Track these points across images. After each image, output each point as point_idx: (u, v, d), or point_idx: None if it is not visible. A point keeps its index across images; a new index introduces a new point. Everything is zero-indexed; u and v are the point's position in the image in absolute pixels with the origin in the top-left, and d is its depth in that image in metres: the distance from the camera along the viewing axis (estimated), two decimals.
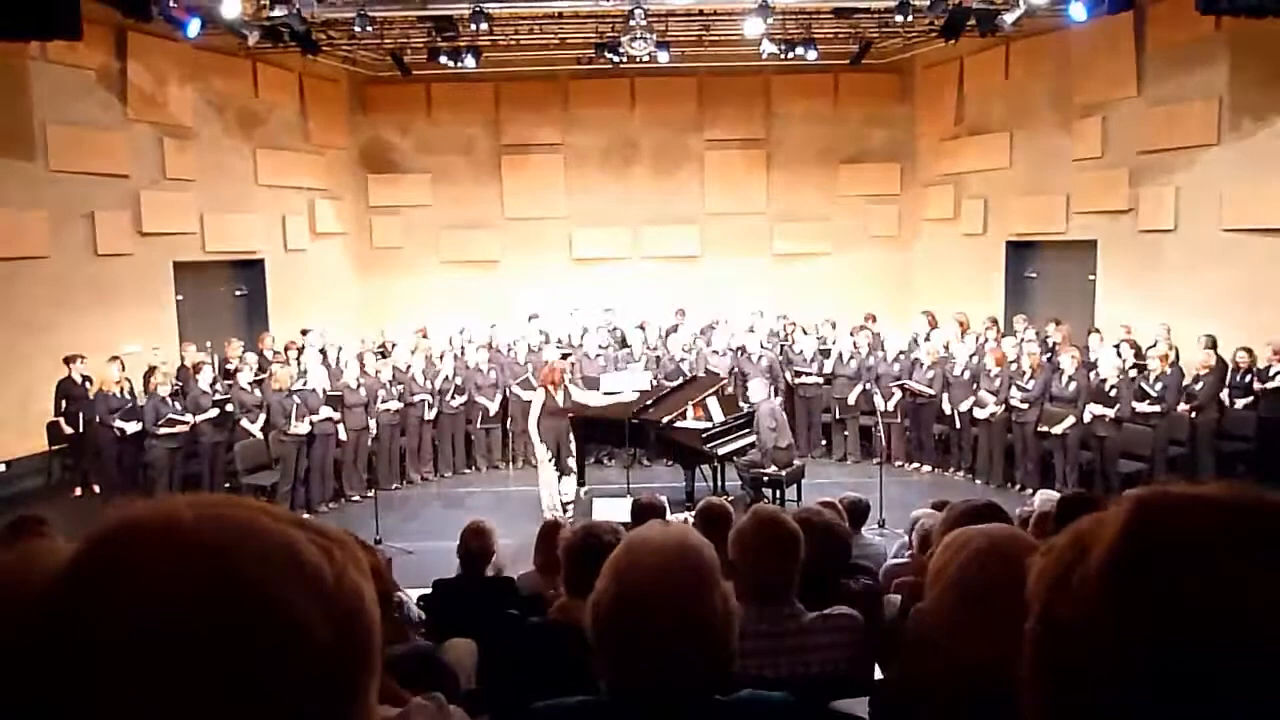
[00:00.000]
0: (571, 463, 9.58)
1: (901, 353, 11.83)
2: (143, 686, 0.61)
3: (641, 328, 13.28)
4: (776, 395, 11.11)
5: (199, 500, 0.70)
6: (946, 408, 11.04)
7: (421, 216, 15.89)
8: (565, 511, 9.46)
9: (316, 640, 0.67)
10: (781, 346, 12.78)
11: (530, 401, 9.86)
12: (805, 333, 12.94)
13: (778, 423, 9.60)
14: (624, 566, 1.52)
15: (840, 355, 12.04)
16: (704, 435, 9.74)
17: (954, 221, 15.10)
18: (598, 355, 12.33)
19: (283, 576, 0.67)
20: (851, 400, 11.77)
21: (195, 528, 0.67)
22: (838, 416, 12.00)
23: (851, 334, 12.29)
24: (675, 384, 11.43)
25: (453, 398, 11.63)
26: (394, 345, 12.79)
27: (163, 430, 9.77)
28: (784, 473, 9.54)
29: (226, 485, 10.04)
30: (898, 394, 11.45)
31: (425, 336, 12.84)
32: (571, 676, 1.52)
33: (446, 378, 11.62)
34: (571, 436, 9.68)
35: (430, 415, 11.48)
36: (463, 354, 12.34)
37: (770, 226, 16.03)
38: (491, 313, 14.46)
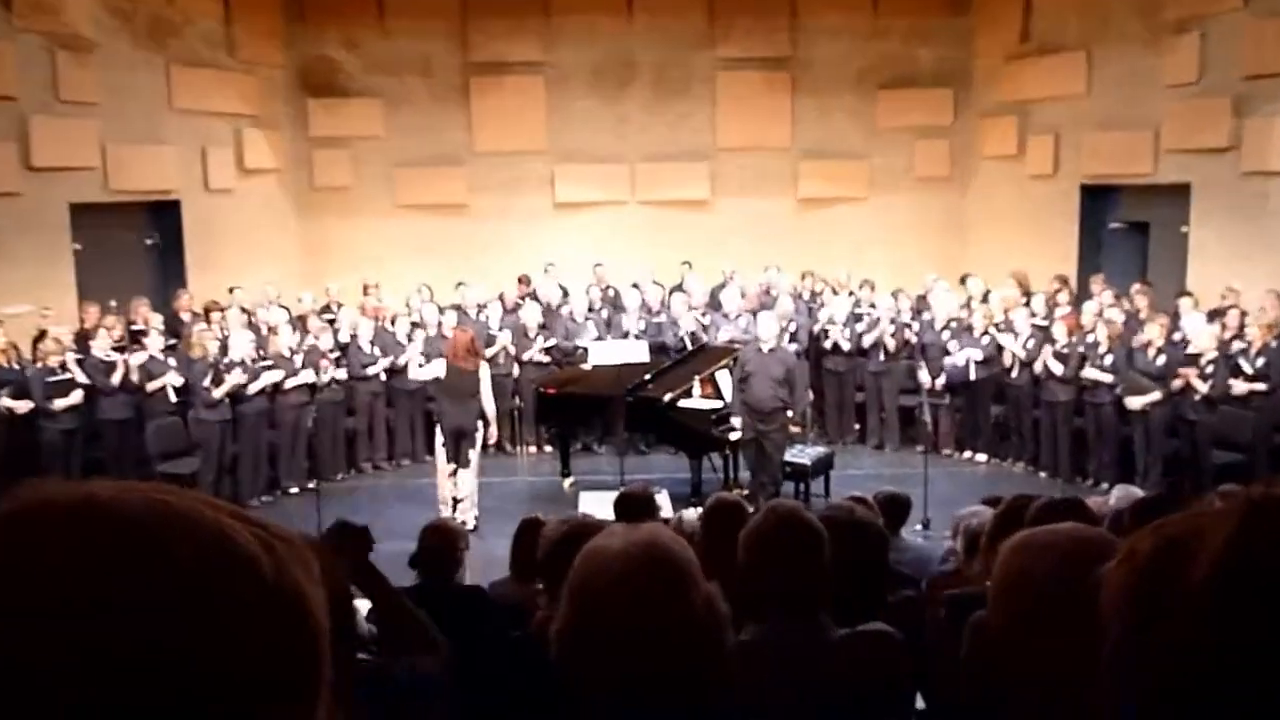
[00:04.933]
0: (473, 454, 9.55)
1: (953, 320, 11.84)
2: (50, 669, 0.63)
3: (637, 286, 13.28)
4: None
5: (120, 484, 0.72)
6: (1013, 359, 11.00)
7: (373, 150, 15.79)
8: (454, 510, 9.46)
9: (249, 638, 0.68)
10: (809, 310, 12.79)
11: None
12: (836, 293, 12.94)
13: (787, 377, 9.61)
14: (580, 587, 1.53)
15: (878, 321, 12.05)
16: (714, 416, 9.77)
17: (1018, 160, 15.04)
18: (586, 319, 12.34)
19: (212, 562, 0.68)
20: (880, 359, 11.85)
21: (114, 505, 0.69)
22: (871, 374, 12.02)
23: (896, 294, 12.37)
24: (679, 355, 11.46)
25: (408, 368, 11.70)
26: (340, 306, 12.79)
27: (57, 405, 9.76)
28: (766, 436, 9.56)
29: (140, 475, 10.06)
30: (949, 367, 11.49)
31: (372, 293, 12.87)
32: (557, 699, 1.53)
33: (399, 344, 11.66)
34: (480, 423, 9.64)
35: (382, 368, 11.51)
36: (423, 317, 12.34)
37: (795, 165, 15.97)
38: (458, 267, 14.35)
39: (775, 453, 9.52)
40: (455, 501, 9.56)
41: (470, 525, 9.26)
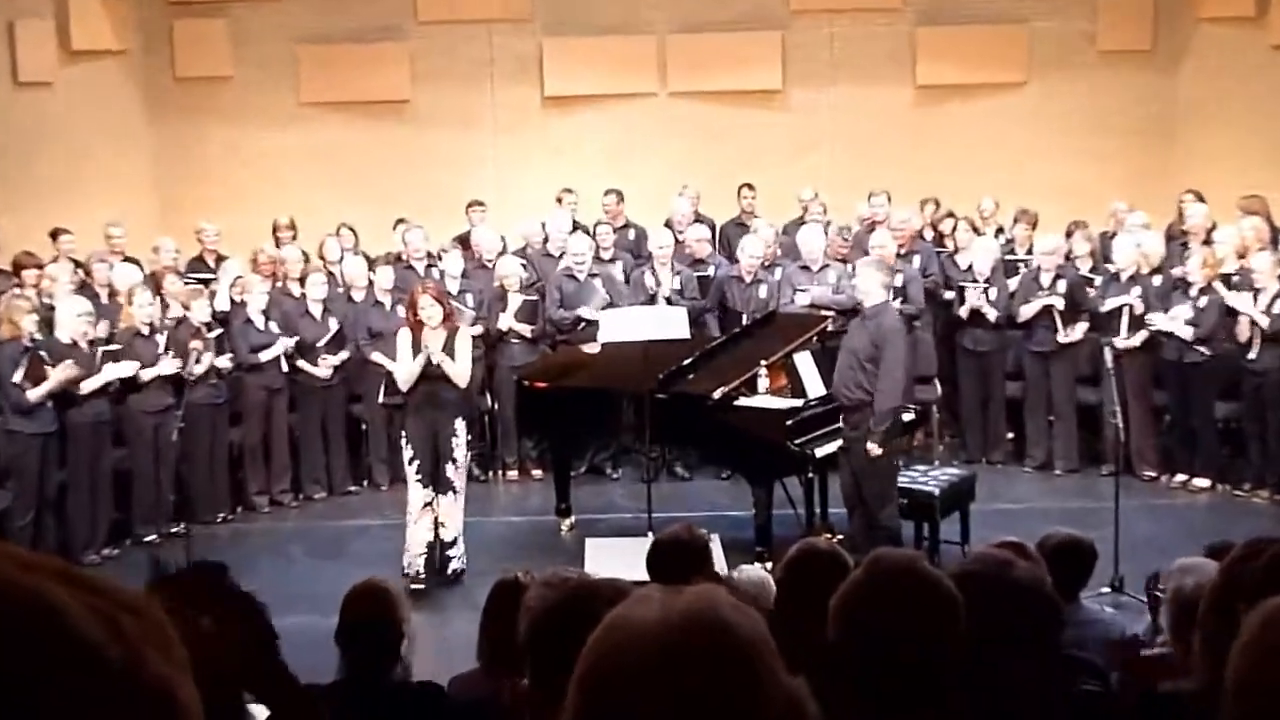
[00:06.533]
0: (453, 471, 9.65)
1: (1155, 270, 11.73)
2: None
3: (670, 226, 13.26)
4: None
5: None
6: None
7: (264, 20, 15.81)
8: (447, 562, 9.66)
9: None
10: (934, 257, 12.77)
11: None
12: (977, 231, 12.85)
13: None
14: (595, 682, 1.52)
15: (1038, 273, 12.01)
16: (790, 422, 9.75)
17: (1255, 24, 14.90)
18: (592, 276, 12.31)
19: (31, 651, 0.68)
20: (1047, 333, 11.73)
21: None
22: (1032, 357, 11.95)
23: (1068, 234, 12.28)
24: (737, 329, 11.41)
25: (326, 355, 11.80)
26: (219, 259, 12.79)
27: None
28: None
29: None
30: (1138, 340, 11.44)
31: (284, 237, 12.95)
32: None
33: (310, 316, 11.71)
34: (458, 424, 9.71)
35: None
36: (342, 275, 12.41)
37: (911, 35, 15.89)
38: (396, 198, 14.36)
39: (860, 473, 9.44)
40: (439, 546, 9.65)
41: (418, 582, 9.43)
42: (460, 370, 9.68)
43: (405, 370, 9.61)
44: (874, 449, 9.31)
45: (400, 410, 10.30)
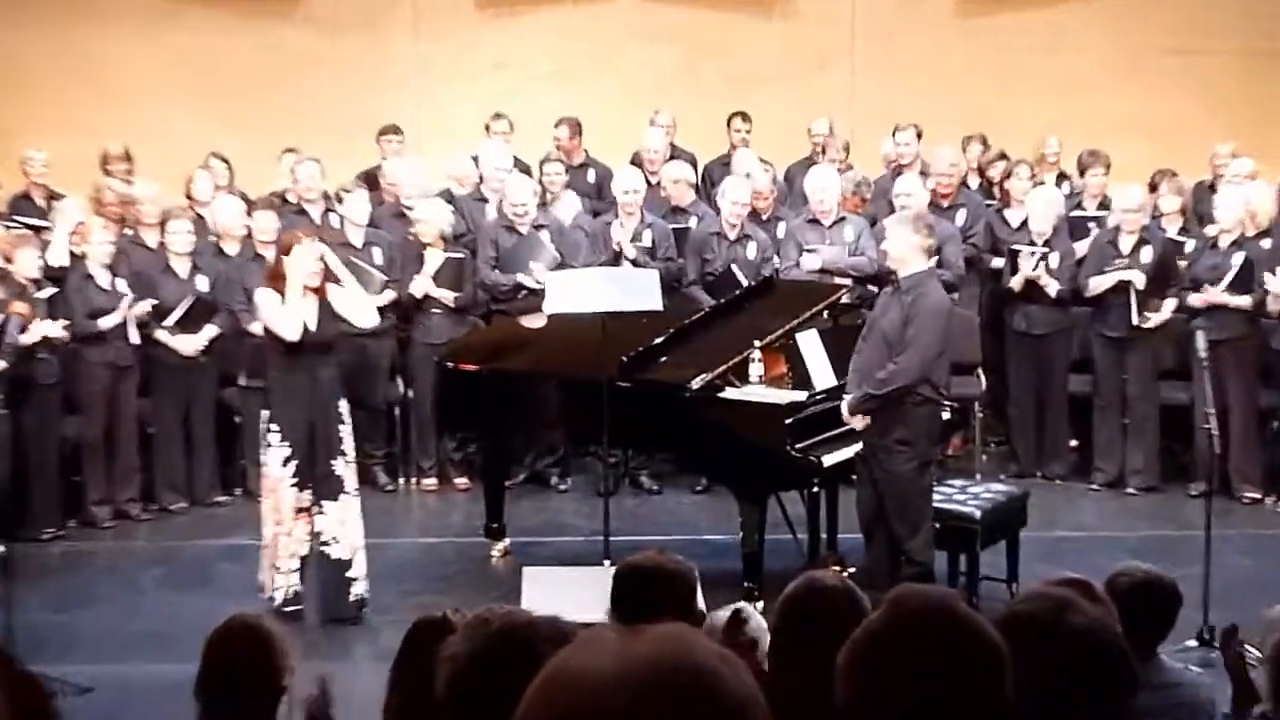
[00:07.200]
0: (342, 466, 9.61)
1: (1263, 233, 11.78)
2: None
3: (639, 164, 13.31)
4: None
5: None
6: None
7: None
8: (344, 589, 9.56)
9: None
10: (983, 211, 12.78)
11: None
12: (1035, 180, 12.93)
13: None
14: None
15: (1114, 235, 12.06)
16: (792, 420, 9.74)
17: None
18: (539, 227, 12.31)
19: None
20: (1120, 314, 11.80)
21: None
22: (1103, 344, 12.03)
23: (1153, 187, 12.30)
24: (722, 301, 11.43)
25: (181, 333, 11.78)
26: (53, 199, 12.74)
27: None
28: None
29: None
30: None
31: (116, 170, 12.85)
32: None
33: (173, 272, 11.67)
34: (341, 406, 9.68)
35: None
36: (213, 220, 12.41)
37: None
38: (284, 123, 14.39)
39: (890, 488, 9.34)
40: (335, 568, 9.53)
41: (294, 604, 9.34)
42: (359, 307, 9.66)
43: (288, 318, 9.33)
44: (844, 409, 9.26)
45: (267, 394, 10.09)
